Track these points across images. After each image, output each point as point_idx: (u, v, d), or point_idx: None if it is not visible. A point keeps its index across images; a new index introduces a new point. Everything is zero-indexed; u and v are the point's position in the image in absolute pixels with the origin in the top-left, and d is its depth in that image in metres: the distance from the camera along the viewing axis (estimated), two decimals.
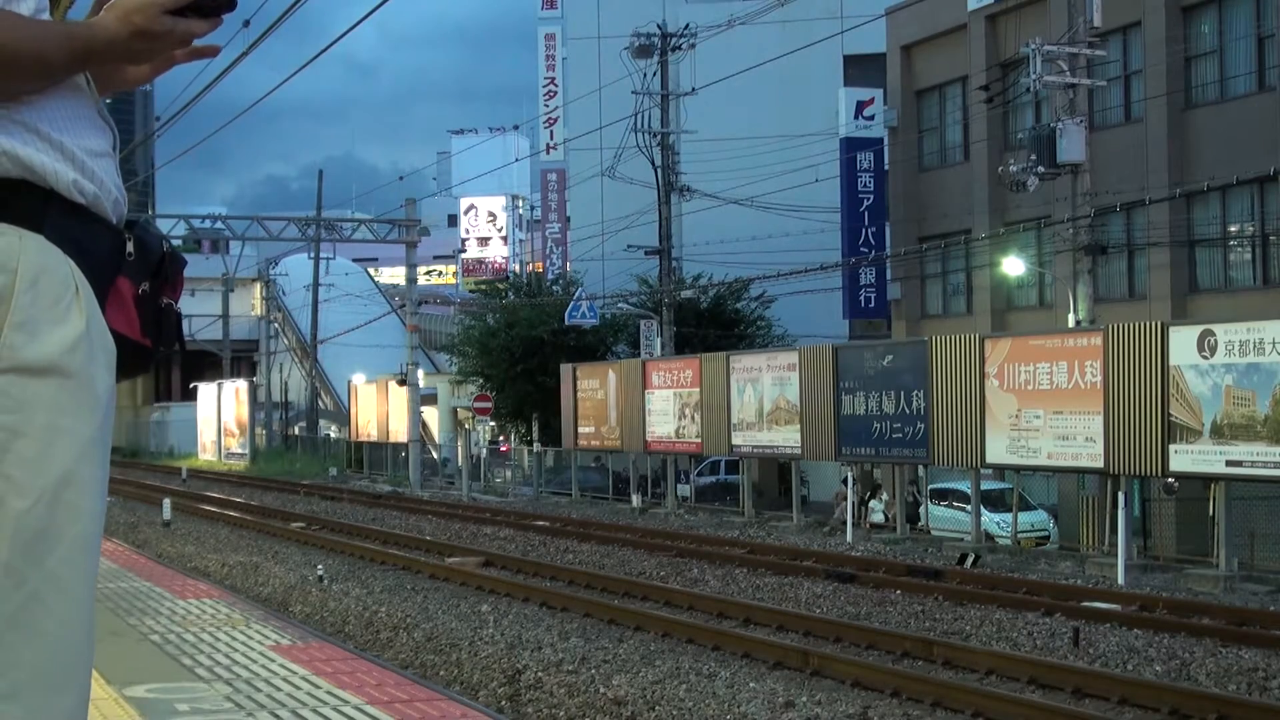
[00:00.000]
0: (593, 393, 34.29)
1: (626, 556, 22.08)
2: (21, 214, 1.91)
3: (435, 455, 52.47)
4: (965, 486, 25.61)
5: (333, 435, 60.96)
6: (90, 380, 1.93)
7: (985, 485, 25.51)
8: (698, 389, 29.91)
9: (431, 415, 54.75)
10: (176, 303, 2.14)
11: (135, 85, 2.23)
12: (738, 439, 28.74)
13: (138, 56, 2.04)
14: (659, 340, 38.53)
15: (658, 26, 39.23)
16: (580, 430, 34.83)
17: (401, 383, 44.97)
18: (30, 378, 1.89)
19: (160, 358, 2.17)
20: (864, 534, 25.16)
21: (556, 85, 56.37)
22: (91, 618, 1.99)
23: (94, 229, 1.99)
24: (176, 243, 43.49)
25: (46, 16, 2.01)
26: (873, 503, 29.04)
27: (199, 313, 64.40)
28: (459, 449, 45.95)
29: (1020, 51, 27.17)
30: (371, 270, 78.29)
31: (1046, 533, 27.30)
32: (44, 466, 1.88)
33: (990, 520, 25.98)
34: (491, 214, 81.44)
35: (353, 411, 55.15)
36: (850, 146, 40.25)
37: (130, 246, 2.05)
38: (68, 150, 1.96)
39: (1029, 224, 31.08)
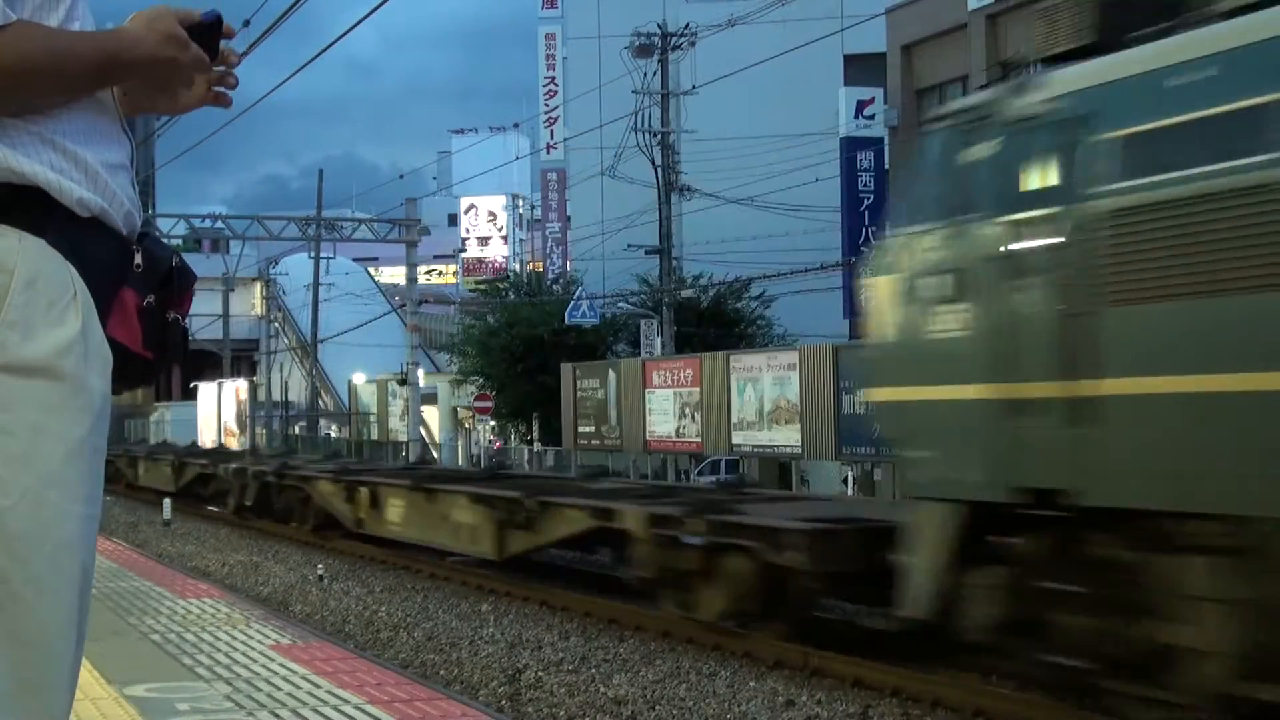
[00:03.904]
0: (593, 392, 34.28)
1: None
2: (25, 217, 1.91)
3: (436, 455, 52.46)
4: None
5: (333, 435, 60.99)
6: (83, 383, 1.92)
7: None
8: (698, 388, 29.90)
9: (432, 415, 54.75)
10: (185, 318, 2.12)
11: (171, 112, 2.22)
12: (738, 438, 28.73)
13: (168, 70, 2.03)
14: (659, 340, 38.52)
15: (658, 26, 39.25)
16: (580, 430, 34.82)
17: (402, 382, 44.98)
18: (21, 377, 1.88)
19: (162, 370, 2.16)
20: None
21: (557, 85, 56.39)
22: (76, 620, 1.94)
23: (100, 238, 1.99)
24: (176, 242, 43.45)
25: (78, 26, 1.99)
26: None
27: (199, 312, 64.39)
28: (459, 449, 46.00)
29: (1021, 51, 27.16)
30: (371, 270, 78.32)
31: None
32: (29, 465, 1.87)
33: None
34: (492, 213, 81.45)
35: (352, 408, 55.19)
36: (850, 146, 40.23)
37: (139, 258, 2.04)
38: (82, 162, 1.95)
39: None
